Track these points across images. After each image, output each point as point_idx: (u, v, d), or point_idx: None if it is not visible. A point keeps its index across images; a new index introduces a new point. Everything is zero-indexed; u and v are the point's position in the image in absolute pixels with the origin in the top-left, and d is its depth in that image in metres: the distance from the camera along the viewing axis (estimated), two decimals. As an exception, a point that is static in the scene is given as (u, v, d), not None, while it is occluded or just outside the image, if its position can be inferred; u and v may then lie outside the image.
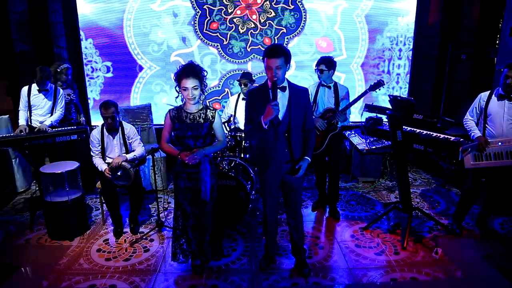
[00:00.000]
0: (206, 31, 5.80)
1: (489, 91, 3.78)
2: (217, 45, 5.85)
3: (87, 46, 5.85)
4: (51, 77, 4.67)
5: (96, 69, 5.91)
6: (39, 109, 4.64)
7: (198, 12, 5.73)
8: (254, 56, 5.89)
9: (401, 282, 3.33)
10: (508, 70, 3.55)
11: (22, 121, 4.58)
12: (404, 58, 6.09)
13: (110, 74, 5.96)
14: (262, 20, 5.75)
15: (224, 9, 5.71)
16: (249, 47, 5.86)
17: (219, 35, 5.81)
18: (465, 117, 3.91)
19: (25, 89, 4.63)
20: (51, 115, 4.69)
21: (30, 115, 4.64)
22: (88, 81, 5.97)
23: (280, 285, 3.31)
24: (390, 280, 3.36)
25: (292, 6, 5.72)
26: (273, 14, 5.73)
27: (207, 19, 5.75)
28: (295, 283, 3.33)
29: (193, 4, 5.71)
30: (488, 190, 3.97)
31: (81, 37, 5.78)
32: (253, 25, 5.77)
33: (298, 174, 3.13)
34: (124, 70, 5.94)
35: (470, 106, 3.90)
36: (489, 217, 4.16)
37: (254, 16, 5.74)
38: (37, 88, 4.58)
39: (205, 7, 5.71)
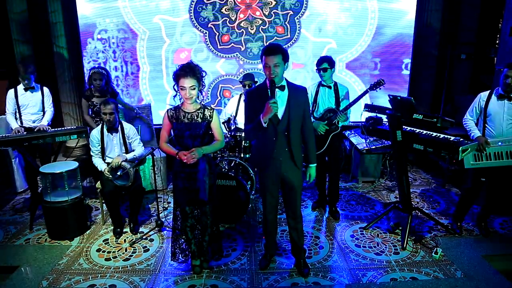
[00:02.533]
0: (221, 47, 5.86)
1: (489, 91, 3.77)
2: (236, 54, 5.89)
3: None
4: (36, 73, 4.56)
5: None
6: (29, 107, 4.56)
7: (206, 32, 5.79)
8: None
9: (401, 282, 3.33)
10: (508, 70, 3.55)
11: (14, 124, 4.49)
12: (402, 57, 6.10)
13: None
14: (266, 13, 5.76)
15: (228, 19, 5.74)
16: (266, 42, 5.84)
17: (234, 45, 5.86)
18: (465, 117, 3.91)
19: (11, 91, 4.54)
20: (43, 113, 4.65)
21: (21, 116, 4.55)
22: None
23: (280, 285, 3.31)
24: (390, 280, 3.35)
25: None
26: (273, 3, 5.74)
27: (217, 35, 5.81)
28: (295, 283, 3.33)
29: (198, 28, 5.78)
30: (488, 190, 3.97)
31: (80, 37, 5.79)
32: (260, 21, 5.77)
33: (311, 181, 3.35)
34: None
35: (470, 106, 3.90)
36: (489, 217, 4.15)
37: (257, 13, 5.75)
38: (23, 87, 4.51)
39: (210, 26, 5.77)
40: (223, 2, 5.72)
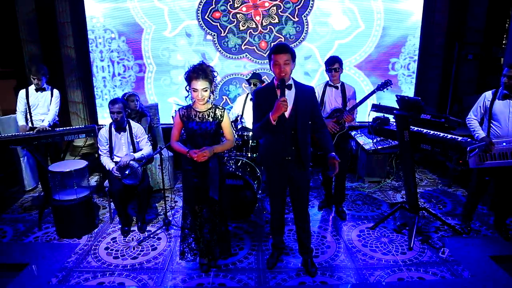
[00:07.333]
0: (266, 54, 5.84)
1: (493, 90, 3.79)
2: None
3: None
4: (48, 75, 4.66)
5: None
6: (38, 108, 4.66)
7: (246, 54, 5.91)
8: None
9: (408, 281, 3.33)
10: (507, 70, 3.59)
11: (22, 122, 4.58)
12: (408, 58, 6.08)
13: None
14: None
15: (251, 30, 5.80)
16: (295, 17, 5.81)
17: (273, 43, 5.84)
18: (468, 116, 3.91)
19: (23, 91, 4.65)
20: None
21: (31, 116, 4.65)
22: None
23: (287, 284, 3.32)
24: (397, 279, 3.36)
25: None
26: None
27: (255, 49, 5.88)
28: (302, 282, 3.34)
29: (239, 58, 5.91)
30: (496, 193, 3.99)
31: (88, 37, 5.82)
32: (275, 8, 5.77)
33: (336, 170, 3.11)
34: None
35: (474, 105, 3.91)
36: (507, 219, 4.10)
37: (266, 4, 5.75)
38: (34, 88, 4.61)
39: (244, 48, 5.87)
40: (235, 22, 5.76)
